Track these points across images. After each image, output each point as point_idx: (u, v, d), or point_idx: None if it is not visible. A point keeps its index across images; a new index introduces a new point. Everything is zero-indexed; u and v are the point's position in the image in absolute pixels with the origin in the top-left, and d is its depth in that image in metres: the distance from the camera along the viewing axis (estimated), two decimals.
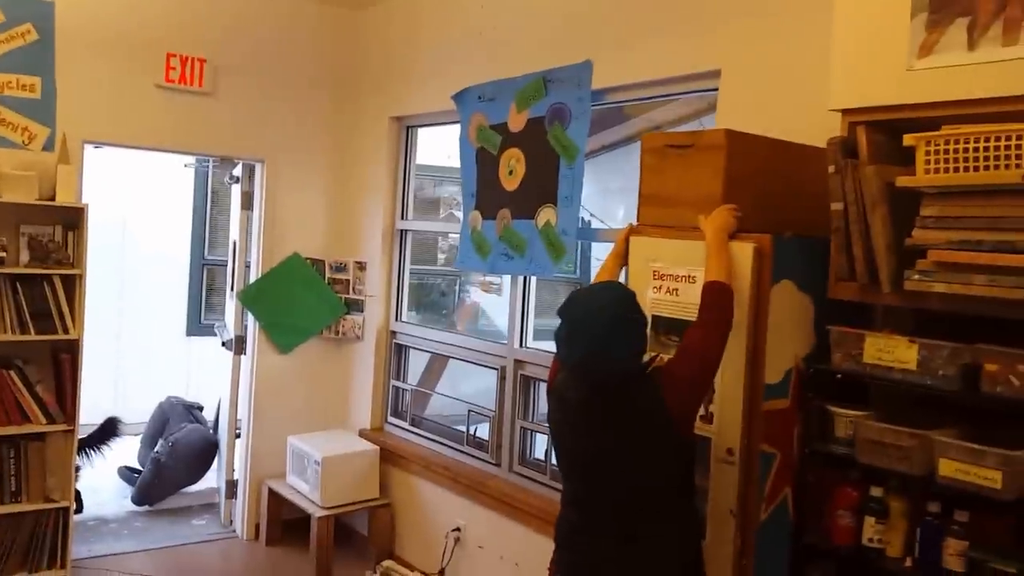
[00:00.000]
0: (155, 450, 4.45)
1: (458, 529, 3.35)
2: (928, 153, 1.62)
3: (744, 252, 1.85)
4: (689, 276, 1.96)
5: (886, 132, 1.77)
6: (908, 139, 1.66)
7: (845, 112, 1.84)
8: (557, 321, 1.76)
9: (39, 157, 3.38)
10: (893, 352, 1.68)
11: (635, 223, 2.15)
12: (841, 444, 1.82)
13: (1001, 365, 1.53)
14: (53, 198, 3.31)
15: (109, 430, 4.41)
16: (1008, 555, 1.57)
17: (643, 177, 2.13)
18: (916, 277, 1.63)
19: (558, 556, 1.85)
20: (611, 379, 1.69)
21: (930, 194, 1.64)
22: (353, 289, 4.14)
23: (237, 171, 4.17)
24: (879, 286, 1.71)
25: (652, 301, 2.01)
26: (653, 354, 1.89)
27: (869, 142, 1.76)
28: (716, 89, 2.50)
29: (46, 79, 3.42)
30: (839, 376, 1.80)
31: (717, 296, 1.75)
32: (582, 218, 3.09)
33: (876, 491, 1.75)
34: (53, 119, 3.43)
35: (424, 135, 4.07)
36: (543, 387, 3.28)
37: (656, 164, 2.09)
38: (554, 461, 3.02)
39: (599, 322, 1.66)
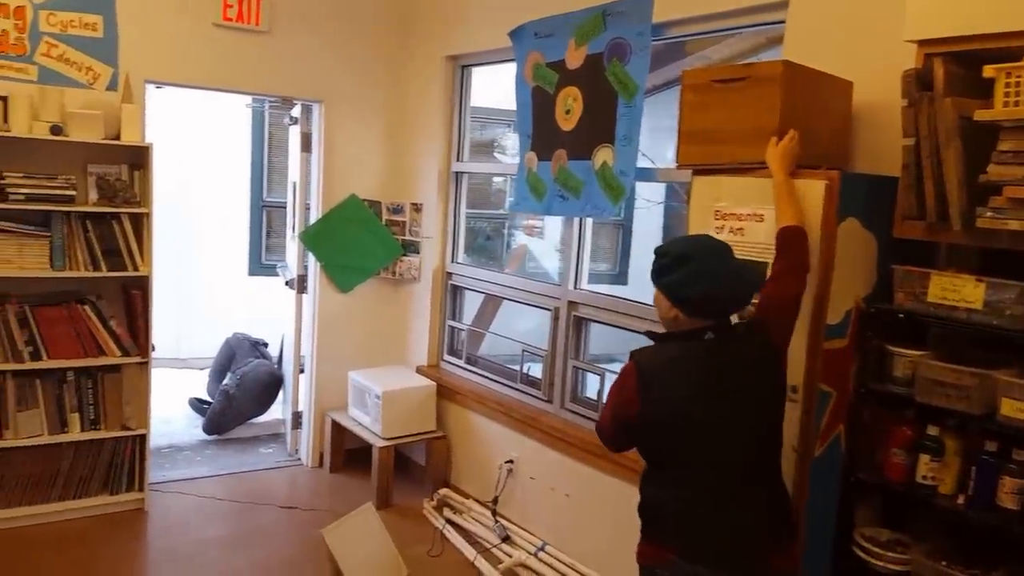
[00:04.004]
0: (224, 383, 4.68)
1: (511, 461, 3.48)
2: (1008, 85, 1.56)
3: (815, 190, 1.81)
4: (755, 214, 1.93)
5: (963, 64, 1.70)
6: (988, 70, 1.59)
7: (921, 43, 1.77)
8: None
9: (103, 96, 3.42)
10: (959, 291, 1.65)
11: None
12: (898, 384, 1.82)
13: None
14: (118, 137, 3.37)
15: None
16: None
17: (684, 114, 2.08)
18: (989, 215, 1.59)
19: (682, 538, 1.70)
20: (751, 336, 1.71)
21: (1008, 128, 1.58)
22: (409, 231, 4.21)
23: (295, 112, 4.23)
24: (948, 224, 1.68)
25: None
26: None
27: (946, 74, 1.69)
28: (782, 22, 2.41)
29: (108, 17, 3.43)
30: (901, 316, 1.78)
31: (796, 240, 1.75)
32: None
33: (932, 430, 1.75)
34: (116, 58, 3.46)
35: (479, 76, 4.04)
36: (595, 328, 3.33)
37: (699, 100, 2.03)
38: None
39: (745, 280, 1.69)
